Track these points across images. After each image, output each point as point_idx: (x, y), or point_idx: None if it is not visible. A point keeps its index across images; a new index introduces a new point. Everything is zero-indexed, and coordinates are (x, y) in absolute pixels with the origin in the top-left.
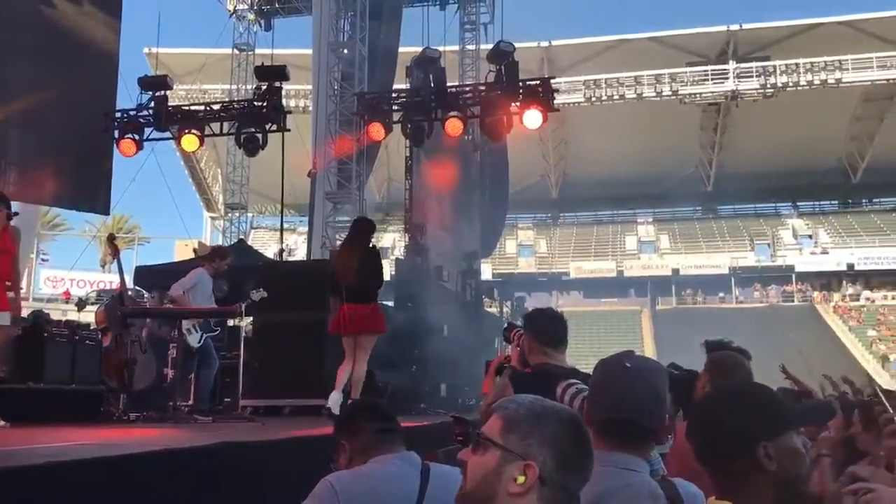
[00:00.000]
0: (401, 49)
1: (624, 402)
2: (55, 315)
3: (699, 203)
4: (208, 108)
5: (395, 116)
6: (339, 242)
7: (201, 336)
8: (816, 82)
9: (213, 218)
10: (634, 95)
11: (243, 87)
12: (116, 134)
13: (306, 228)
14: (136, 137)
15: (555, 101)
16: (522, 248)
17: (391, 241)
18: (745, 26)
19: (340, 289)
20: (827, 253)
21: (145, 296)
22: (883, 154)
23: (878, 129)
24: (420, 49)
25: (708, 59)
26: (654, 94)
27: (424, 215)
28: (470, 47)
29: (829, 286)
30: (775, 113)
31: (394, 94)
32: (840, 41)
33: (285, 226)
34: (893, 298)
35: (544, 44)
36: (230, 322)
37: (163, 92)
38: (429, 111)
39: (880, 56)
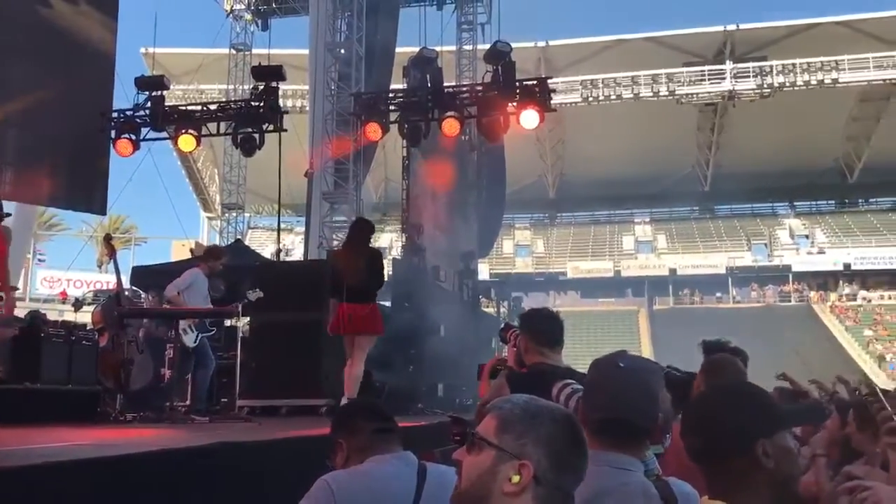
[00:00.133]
0: (398, 49)
1: (617, 401)
2: (52, 315)
3: (696, 203)
4: (205, 108)
5: (392, 116)
6: (335, 242)
7: (197, 336)
8: (813, 82)
9: (210, 218)
10: (631, 95)
11: (240, 87)
12: (113, 134)
13: (303, 228)
14: (133, 137)
15: (552, 102)
16: (519, 248)
17: (388, 241)
18: (741, 26)
19: (341, 288)
20: (824, 253)
21: (142, 296)
22: (879, 154)
23: (875, 129)
24: (417, 49)
25: (705, 60)
26: (651, 94)
27: (421, 215)
28: (467, 47)
29: (825, 286)
30: (772, 113)
31: (391, 95)
32: (837, 41)
33: (282, 226)
34: (890, 298)
35: (541, 44)
36: (227, 322)
37: (159, 92)
38: (426, 111)
39: (877, 56)
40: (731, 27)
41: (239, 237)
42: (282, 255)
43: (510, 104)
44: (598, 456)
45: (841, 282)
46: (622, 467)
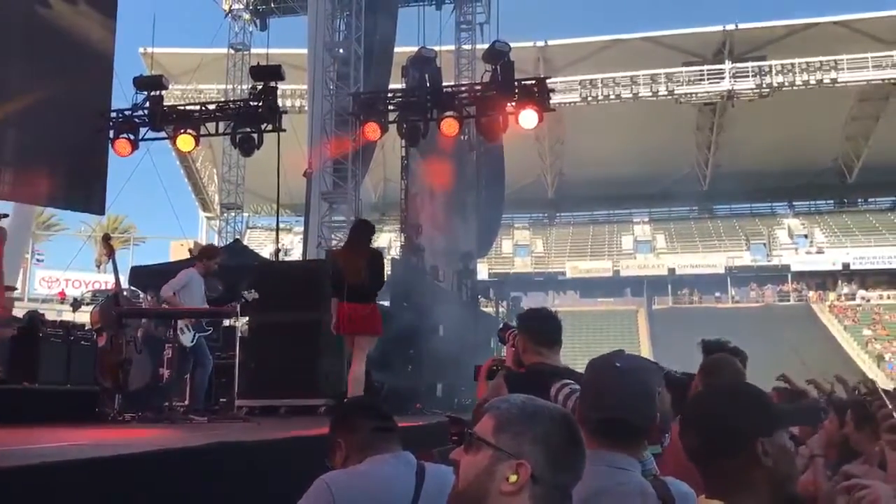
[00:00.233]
0: (396, 49)
1: (614, 401)
2: (50, 315)
3: (695, 203)
4: (204, 108)
5: (391, 116)
6: (334, 242)
7: (194, 335)
8: (812, 82)
9: (208, 218)
10: (630, 95)
11: (239, 86)
12: (112, 134)
13: (302, 228)
14: (132, 137)
15: (551, 101)
16: (518, 248)
17: (387, 241)
18: (740, 26)
19: (342, 288)
20: (822, 252)
21: (141, 296)
22: (878, 154)
23: (874, 128)
24: (416, 49)
25: (704, 59)
26: (650, 93)
27: (420, 215)
28: (466, 47)
29: (824, 286)
30: (771, 113)
31: (389, 94)
32: (836, 41)
33: (281, 226)
34: (889, 298)
35: (540, 43)
36: (226, 322)
37: (158, 92)
38: (425, 111)
39: (876, 56)
40: (730, 27)
41: (238, 237)
42: (281, 254)
43: (509, 104)
44: (596, 455)
45: (840, 281)
46: (619, 467)
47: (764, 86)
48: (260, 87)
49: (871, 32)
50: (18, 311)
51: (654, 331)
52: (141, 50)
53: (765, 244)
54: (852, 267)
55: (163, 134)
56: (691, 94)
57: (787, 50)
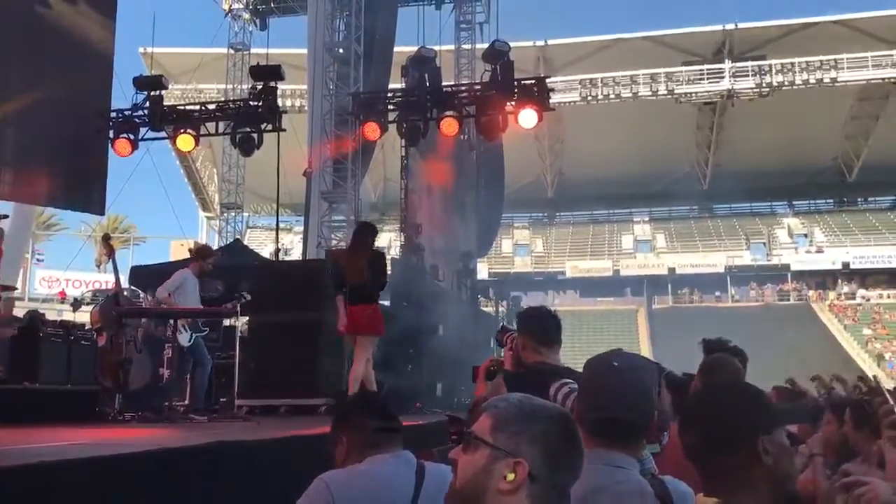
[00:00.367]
0: (396, 48)
1: (612, 400)
2: (51, 315)
3: (695, 202)
4: (204, 108)
5: (391, 116)
6: (334, 242)
7: (191, 336)
8: (812, 81)
9: (209, 218)
10: (630, 94)
11: (239, 86)
12: (111, 134)
13: (302, 228)
14: (132, 137)
15: (550, 101)
16: (518, 248)
17: (387, 240)
18: (740, 25)
19: (345, 289)
20: (822, 252)
21: (141, 296)
22: (878, 153)
23: (874, 128)
24: (415, 48)
25: (704, 59)
26: (650, 93)
27: (420, 215)
28: (465, 47)
29: (824, 285)
30: (771, 112)
31: (389, 94)
32: (835, 40)
33: (281, 225)
34: (889, 297)
35: (540, 43)
36: (226, 322)
37: (158, 91)
38: (424, 111)
39: (875, 55)
40: (730, 26)
41: (238, 237)
42: (280, 254)
43: (509, 103)
44: (594, 454)
45: (840, 281)
46: (618, 465)
47: (764, 85)
48: (260, 86)
49: (870, 31)
50: (19, 311)
51: (654, 330)
52: (141, 50)
53: (765, 243)
54: (852, 266)
55: (163, 134)
56: (691, 93)
57: (787, 49)
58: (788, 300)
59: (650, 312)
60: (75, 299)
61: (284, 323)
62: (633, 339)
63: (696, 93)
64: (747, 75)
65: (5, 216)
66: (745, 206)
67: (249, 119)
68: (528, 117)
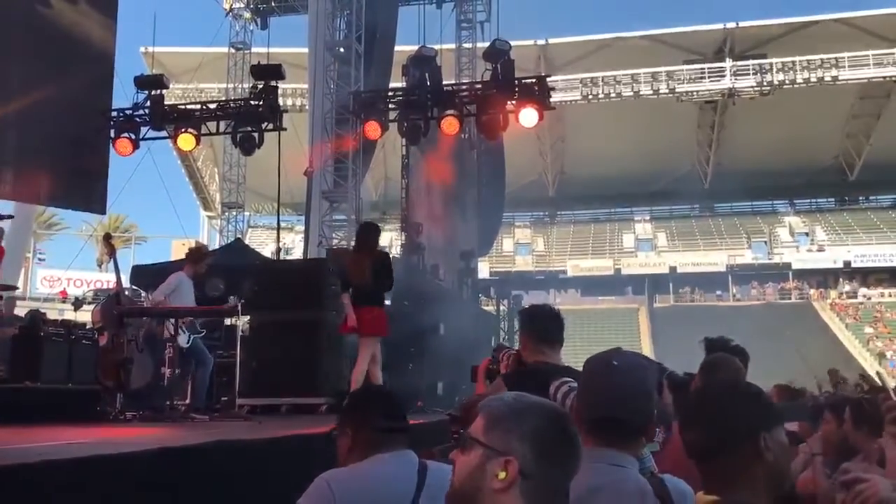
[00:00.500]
0: (397, 47)
1: (611, 399)
2: (52, 314)
3: (696, 201)
4: (204, 107)
5: (392, 115)
6: (335, 241)
7: (189, 337)
8: (813, 80)
9: (210, 217)
10: (631, 93)
11: (240, 85)
12: (113, 133)
13: (303, 227)
14: (133, 137)
15: (551, 100)
16: (519, 247)
17: (388, 239)
18: (741, 24)
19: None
20: (824, 250)
21: (142, 295)
22: (879, 151)
23: (875, 126)
24: (416, 47)
25: (705, 57)
26: (651, 91)
27: (421, 214)
28: (466, 45)
29: (825, 283)
30: (772, 110)
31: (390, 93)
32: (836, 39)
33: (282, 225)
34: (890, 296)
35: (541, 42)
36: (227, 321)
37: (159, 91)
38: (425, 110)
39: (876, 53)
40: (731, 25)
41: (239, 236)
42: (282, 253)
43: (509, 102)
44: (594, 453)
45: (841, 279)
46: (617, 464)
47: (765, 84)
48: (261, 86)
49: (871, 30)
50: (20, 311)
51: (656, 329)
52: (142, 49)
53: (766, 242)
54: (853, 265)
55: (164, 133)
56: (692, 92)
57: (788, 48)
58: (790, 299)
59: (651, 311)
60: (76, 299)
61: (286, 322)
62: (634, 338)
63: (697, 91)
64: (748, 74)
65: (11, 216)
66: (747, 204)
67: (250, 118)
68: (528, 116)
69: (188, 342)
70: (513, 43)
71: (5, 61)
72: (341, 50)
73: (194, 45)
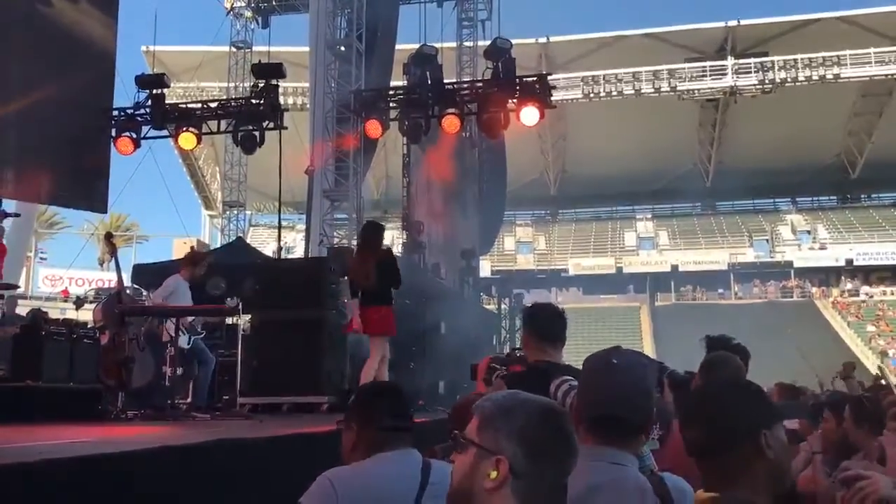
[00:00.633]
0: (398, 46)
1: (611, 397)
2: (53, 313)
3: (698, 199)
4: (206, 106)
5: (393, 114)
6: (336, 240)
7: (189, 339)
8: (815, 78)
9: (211, 216)
10: (633, 91)
11: (241, 84)
12: (114, 132)
13: (304, 226)
14: (134, 136)
15: (552, 98)
16: (521, 245)
17: (389, 238)
18: (743, 22)
19: (356, 289)
20: (825, 248)
21: (143, 294)
22: (881, 149)
23: (877, 124)
24: (417, 46)
25: (706, 55)
26: (652, 90)
27: (422, 212)
28: (467, 44)
29: (827, 282)
30: (774, 109)
31: (391, 92)
32: (838, 37)
33: (283, 223)
34: (892, 294)
35: (542, 40)
36: (228, 320)
37: (160, 90)
38: (426, 108)
39: (878, 51)
40: (733, 23)
41: (240, 235)
42: (283, 252)
43: (510, 101)
44: (593, 451)
45: (843, 277)
46: (616, 462)
47: (766, 82)
48: (261, 84)
49: (873, 28)
50: (21, 310)
51: (657, 327)
52: (143, 48)
53: (768, 240)
54: (855, 263)
55: (165, 132)
56: (694, 90)
57: (790, 46)
58: (792, 297)
59: (653, 309)
60: (78, 297)
61: (287, 321)
62: (635, 336)
63: (698, 90)
64: (750, 72)
65: (17, 215)
66: (748, 202)
67: (251, 117)
68: (529, 115)
69: (189, 344)
70: (514, 41)
71: (6, 60)
72: (342, 48)
73: (195, 44)
